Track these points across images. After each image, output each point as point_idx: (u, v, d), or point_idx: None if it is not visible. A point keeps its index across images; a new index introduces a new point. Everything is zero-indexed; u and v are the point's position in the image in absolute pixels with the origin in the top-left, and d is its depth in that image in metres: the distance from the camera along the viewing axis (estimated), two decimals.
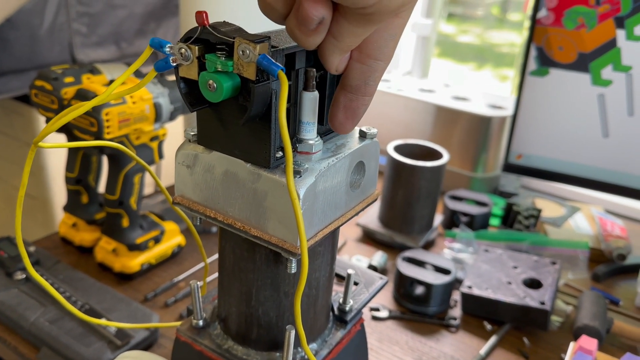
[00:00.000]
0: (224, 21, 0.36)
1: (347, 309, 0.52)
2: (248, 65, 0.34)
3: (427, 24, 1.41)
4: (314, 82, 0.40)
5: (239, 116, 0.37)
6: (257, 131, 0.38)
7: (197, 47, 0.35)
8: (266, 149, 0.38)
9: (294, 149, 0.41)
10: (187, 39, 0.36)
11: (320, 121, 0.45)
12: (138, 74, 0.82)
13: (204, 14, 0.34)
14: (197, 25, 0.35)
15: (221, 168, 0.41)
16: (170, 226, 0.86)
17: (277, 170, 0.39)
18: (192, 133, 0.42)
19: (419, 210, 0.92)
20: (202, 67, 0.36)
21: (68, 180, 0.85)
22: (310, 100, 0.40)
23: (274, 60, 0.33)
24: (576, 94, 0.91)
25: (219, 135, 0.40)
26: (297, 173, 0.38)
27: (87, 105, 0.39)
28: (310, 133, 0.41)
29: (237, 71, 0.34)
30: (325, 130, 0.45)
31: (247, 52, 0.33)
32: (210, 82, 0.35)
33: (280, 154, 0.39)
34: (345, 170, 0.43)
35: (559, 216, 1.06)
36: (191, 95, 0.38)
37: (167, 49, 0.36)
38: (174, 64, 0.36)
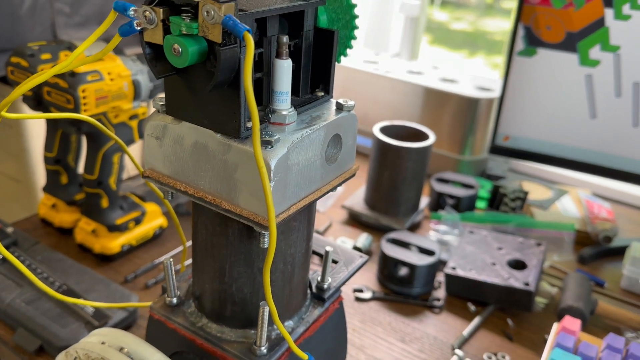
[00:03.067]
0: None
1: (325, 286, 0.51)
2: (213, 27, 0.32)
3: (416, 4, 1.39)
4: (287, 50, 0.39)
5: (207, 83, 0.36)
6: (226, 99, 0.37)
7: (161, 10, 0.34)
8: (236, 118, 0.37)
9: (267, 120, 0.40)
10: (151, 1, 0.34)
11: (296, 93, 0.44)
12: (118, 51, 0.79)
13: None
14: None
15: (191, 139, 0.40)
16: (151, 207, 0.84)
17: (248, 141, 0.38)
18: (162, 103, 0.41)
19: (405, 192, 0.91)
20: (167, 30, 0.34)
21: (47, 160, 0.83)
22: (283, 68, 0.39)
23: (239, 22, 0.31)
24: (564, 75, 0.90)
25: (187, 105, 0.39)
26: (267, 143, 0.37)
27: (49, 72, 0.37)
28: (283, 103, 0.40)
29: (203, 34, 0.33)
30: (301, 102, 0.44)
31: (212, 12, 0.32)
32: (175, 46, 0.34)
33: (251, 123, 0.38)
34: (321, 142, 0.42)
35: (546, 199, 1.05)
36: (157, 62, 0.37)
37: (131, 12, 0.34)
38: (139, 28, 0.35)
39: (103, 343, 0.43)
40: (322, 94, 0.45)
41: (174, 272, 0.48)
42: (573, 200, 1.05)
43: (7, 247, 0.75)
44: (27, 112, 0.93)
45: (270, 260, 0.36)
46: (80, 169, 0.84)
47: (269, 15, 0.37)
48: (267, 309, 0.42)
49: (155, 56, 0.36)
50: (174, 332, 0.47)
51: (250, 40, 0.31)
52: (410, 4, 1.38)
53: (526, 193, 0.98)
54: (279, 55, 0.39)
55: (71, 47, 0.77)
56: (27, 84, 0.39)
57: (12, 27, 1.17)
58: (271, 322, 0.46)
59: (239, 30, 0.31)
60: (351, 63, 1.19)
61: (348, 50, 0.47)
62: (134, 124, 0.77)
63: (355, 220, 0.96)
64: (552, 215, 0.99)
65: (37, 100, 0.75)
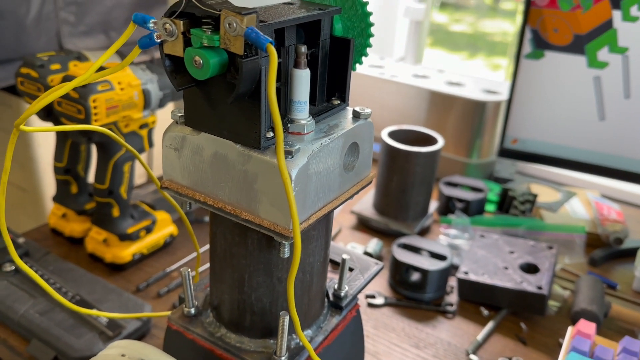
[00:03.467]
0: None
1: (342, 294, 0.51)
2: (235, 39, 0.32)
3: (420, 8, 1.40)
4: (305, 60, 0.39)
5: (227, 94, 0.36)
6: (247, 110, 0.37)
7: (181, 22, 0.34)
8: (256, 128, 0.37)
9: (285, 130, 0.40)
10: (171, 13, 0.34)
11: (313, 101, 0.44)
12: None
13: None
14: None
15: (210, 150, 0.40)
16: (162, 216, 0.84)
17: (268, 151, 0.38)
18: (180, 114, 0.41)
19: (414, 197, 0.91)
20: (187, 42, 0.34)
21: (57, 170, 0.83)
22: (302, 78, 0.39)
23: (262, 33, 0.31)
24: (572, 77, 0.90)
25: (207, 116, 0.39)
26: (288, 154, 0.37)
27: (68, 86, 0.37)
28: (302, 113, 0.40)
29: (224, 46, 0.33)
30: (318, 110, 0.44)
31: (234, 24, 0.32)
32: (197, 58, 0.34)
33: (271, 134, 0.38)
34: (339, 151, 0.42)
35: (555, 201, 1.05)
36: (177, 74, 0.37)
37: (151, 25, 0.35)
38: (158, 41, 0.35)
39: (123, 355, 0.43)
40: (339, 102, 0.45)
41: (192, 282, 0.48)
42: (582, 202, 1.05)
43: (19, 258, 0.75)
44: (36, 122, 0.93)
45: (294, 271, 0.36)
46: (90, 178, 0.84)
47: (287, 25, 0.38)
48: (287, 319, 0.42)
49: (175, 68, 0.36)
50: (193, 342, 0.47)
51: (273, 52, 0.31)
52: (415, 7, 1.39)
53: (535, 196, 0.98)
54: (297, 65, 0.39)
55: (80, 57, 0.77)
56: (45, 99, 0.39)
57: (18, 37, 1.17)
58: (290, 331, 0.46)
59: (262, 42, 0.31)
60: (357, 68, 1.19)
61: (363, 58, 0.47)
62: (144, 132, 0.77)
63: (364, 226, 0.95)
64: (562, 217, 0.98)
65: (47, 111, 0.75)
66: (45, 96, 0.39)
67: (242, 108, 0.37)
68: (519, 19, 0.91)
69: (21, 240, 0.79)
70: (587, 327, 0.64)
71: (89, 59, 0.77)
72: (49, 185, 1.32)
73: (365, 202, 0.97)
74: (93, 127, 0.50)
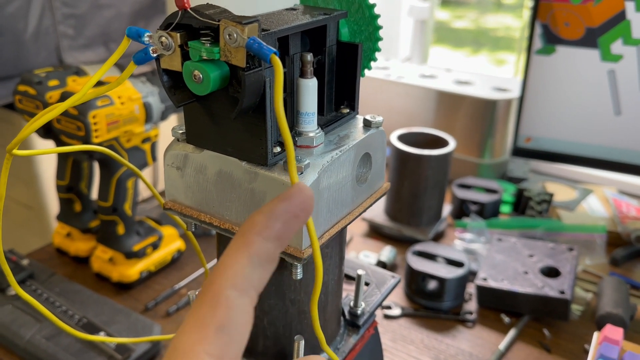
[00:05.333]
0: (207, 3, 0.32)
1: (359, 312, 0.48)
2: (236, 51, 0.30)
3: (425, 7, 1.37)
4: (312, 68, 0.36)
5: (230, 109, 0.33)
6: (252, 125, 0.34)
7: (178, 34, 0.31)
8: (262, 144, 0.34)
9: (293, 143, 0.37)
10: (167, 25, 0.32)
11: (321, 111, 0.41)
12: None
13: None
14: (177, 9, 0.31)
15: (214, 168, 0.37)
16: (168, 231, 0.82)
17: (276, 168, 0.35)
18: (181, 131, 0.39)
19: (427, 201, 0.89)
20: (185, 56, 0.32)
21: (59, 189, 0.81)
22: (308, 88, 0.36)
23: (265, 44, 0.29)
24: (585, 71, 0.87)
25: (209, 132, 0.36)
26: (297, 170, 0.34)
27: (61, 107, 0.35)
28: (310, 125, 0.37)
29: (225, 58, 0.31)
30: (327, 120, 0.41)
31: (235, 35, 0.29)
32: (196, 72, 0.31)
33: (278, 149, 0.36)
34: (351, 163, 0.39)
35: (572, 200, 1.02)
36: (176, 89, 0.34)
37: (146, 39, 0.32)
38: (155, 55, 0.32)
39: None
40: (348, 110, 0.43)
41: None
42: (599, 199, 1.02)
43: (23, 281, 0.73)
44: (36, 139, 0.92)
45: (317, 295, 0.34)
46: (94, 195, 0.82)
47: (291, 32, 0.35)
48: (302, 343, 0.40)
49: (173, 84, 0.34)
50: None
51: (278, 64, 0.28)
52: (419, 6, 1.36)
53: (551, 195, 0.95)
54: (303, 75, 0.36)
55: (79, 72, 0.75)
56: (39, 121, 0.36)
57: (17, 53, 1.15)
58: (306, 354, 0.43)
59: (265, 53, 0.29)
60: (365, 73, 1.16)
61: (371, 63, 0.44)
62: (146, 147, 0.75)
63: (376, 233, 0.93)
64: (580, 216, 0.95)
65: (46, 128, 0.73)
66: (37, 119, 0.37)
67: (246, 123, 0.34)
68: (525, 13, 0.89)
69: (25, 262, 0.77)
70: (614, 332, 0.61)
71: (88, 74, 0.75)
72: (54, 202, 1.30)
73: (376, 209, 0.94)
74: (92, 147, 0.47)
